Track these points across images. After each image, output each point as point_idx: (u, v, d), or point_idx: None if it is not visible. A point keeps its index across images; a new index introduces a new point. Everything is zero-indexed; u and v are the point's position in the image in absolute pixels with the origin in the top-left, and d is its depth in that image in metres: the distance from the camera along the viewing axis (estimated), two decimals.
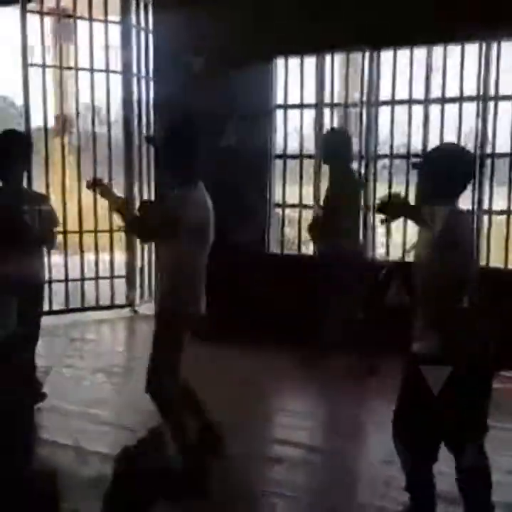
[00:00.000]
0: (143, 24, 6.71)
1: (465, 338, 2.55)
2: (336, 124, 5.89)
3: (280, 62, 6.00)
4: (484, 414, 2.65)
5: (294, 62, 5.94)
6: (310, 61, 5.86)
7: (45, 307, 6.57)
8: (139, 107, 6.75)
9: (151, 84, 6.65)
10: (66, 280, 6.71)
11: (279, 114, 6.07)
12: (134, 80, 6.71)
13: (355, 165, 5.51)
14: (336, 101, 5.86)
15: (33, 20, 6.17)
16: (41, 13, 6.19)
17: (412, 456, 2.65)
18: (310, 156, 5.98)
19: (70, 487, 3.22)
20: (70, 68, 6.45)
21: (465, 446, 2.64)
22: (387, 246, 5.64)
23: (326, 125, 5.90)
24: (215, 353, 5.30)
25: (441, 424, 2.59)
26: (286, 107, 6.05)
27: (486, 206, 5.40)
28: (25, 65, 6.13)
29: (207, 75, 6.06)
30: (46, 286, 6.53)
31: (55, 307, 6.67)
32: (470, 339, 2.56)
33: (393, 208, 2.52)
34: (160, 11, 6.37)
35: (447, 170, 2.53)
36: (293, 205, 6.17)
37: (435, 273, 2.50)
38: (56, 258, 6.68)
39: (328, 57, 5.80)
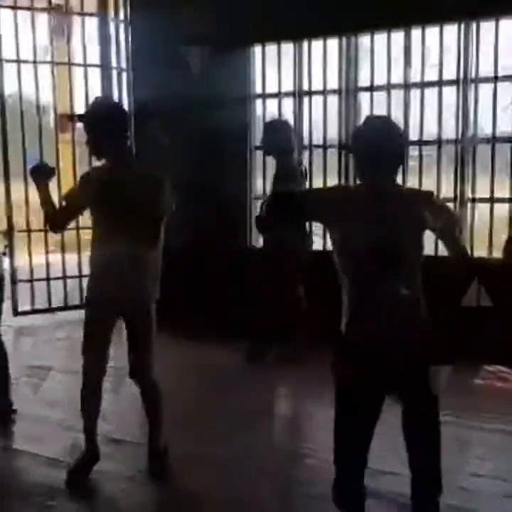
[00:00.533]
0: (121, 17, 6.59)
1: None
2: (314, 112, 5.73)
3: (257, 49, 5.86)
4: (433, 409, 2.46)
5: (271, 49, 5.79)
6: (287, 48, 5.71)
7: (27, 307, 6.57)
8: (119, 100, 6.61)
9: (126, 77, 6.54)
10: (48, 279, 6.61)
11: (258, 103, 5.94)
12: (114, 74, 6.60)
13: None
14: (314, 88, 5.69)
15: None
16: (14, 8, 6.09)
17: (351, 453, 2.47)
18: None
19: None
20: (42, 63, 6.34)
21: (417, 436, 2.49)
22: None
23: (305, 113, 5.76)
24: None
25: (374, 421, 2.43)
26: (264, 95, 5.91)
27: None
28: None
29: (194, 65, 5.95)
30: (28, 285, 6.53)
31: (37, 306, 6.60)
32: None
33: None
34: (137, 2, 6.27)
35: (368, 146, 2.38)
36: None
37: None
38: (39, 258, 6.60)
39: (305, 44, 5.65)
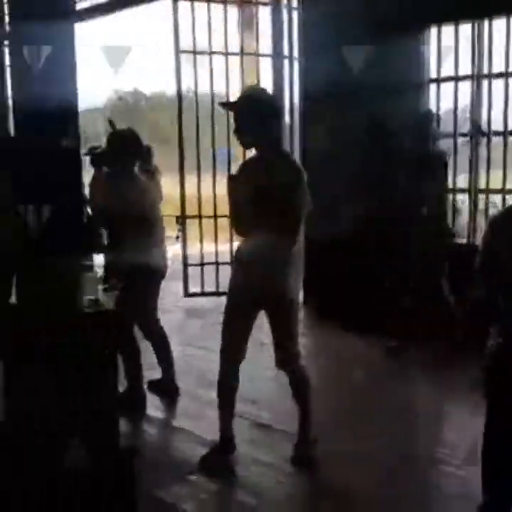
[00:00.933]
0: (294, 4, 6.59)
1: None
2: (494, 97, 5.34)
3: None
4: None
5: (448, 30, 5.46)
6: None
7: (197, 289, 6.84)
8: (290, 89, 6.63)
9: (298, 65, 6.51)
10: (216, 263, 6.81)
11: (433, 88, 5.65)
12: (285, 63, 6.62)
13: None
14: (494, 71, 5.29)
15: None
16: (192, 0, 6.29)
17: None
18: (464, 134, 5.51)
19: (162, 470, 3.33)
20: (217, 53, 6.48)
21: None
22: None
23: (484, 99, 5.38)
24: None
25: None
26: (439, 80, 5.60)
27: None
28: (177, 53, 6.29)
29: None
30: (198, 269, 6.80)
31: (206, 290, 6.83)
32: None
33: None
34: None
35: None
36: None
37: None
38: (210, 245, 6.83)
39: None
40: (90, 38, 6.69)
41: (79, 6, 8.79)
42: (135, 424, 3.91)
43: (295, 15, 6.57)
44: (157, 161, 8.87)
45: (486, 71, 5.34)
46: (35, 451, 2.98)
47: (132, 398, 4.08)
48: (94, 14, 8.68)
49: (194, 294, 6.82)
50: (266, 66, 6.64)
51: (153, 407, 4.15)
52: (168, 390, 4.33)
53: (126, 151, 4.02)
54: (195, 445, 3.56)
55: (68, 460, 2.99)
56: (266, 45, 6.61)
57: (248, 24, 6.78)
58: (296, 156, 6.69)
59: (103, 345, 3.12)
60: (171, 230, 10.26)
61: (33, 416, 2.99)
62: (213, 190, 6.64)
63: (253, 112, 3.14)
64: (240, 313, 3.30)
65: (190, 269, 6.82)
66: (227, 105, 3.49)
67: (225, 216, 6.68)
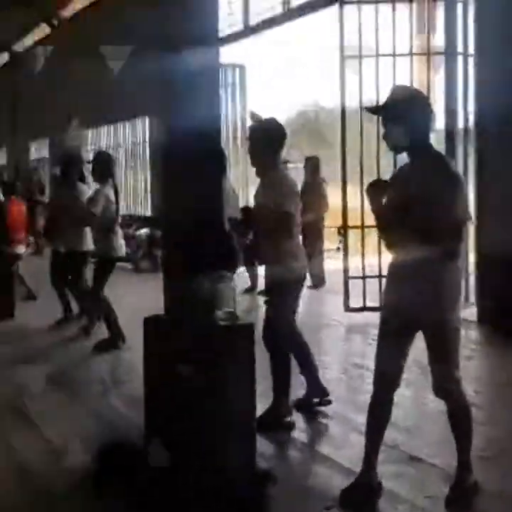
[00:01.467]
0: None
1: None
2: None
3: None
4: None
5: None
6: None
7: (359, 304, 6.51)
8: (464, 90, 6.13)
9: (473, 63, 6.00)
10: (379, 276, 6.44)
11: None
12: (459, 59, 6.14)
13: None
14: None
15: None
16: (359, 2, 6.05)
17: None
18: None
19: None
20: (384, 55, 6.14)
21: None
22: None
23: None
24: None
25: None
26: None
27: None
28: (342, 58, 6.08)
29: None
30: (359, 282, 6.47)
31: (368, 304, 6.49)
32: None
33: None
34: None
35: None
36: None
37: None
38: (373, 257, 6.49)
39: None
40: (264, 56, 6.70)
41: (253, 21, 9.03)
42: (276, 445, 3.70)
43: (471, 9, 6.06)
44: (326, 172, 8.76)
45: None
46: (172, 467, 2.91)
47: (277, 417, 3.87)
48: (270, 25, 8.88)
49: (355, 309, 6.52)
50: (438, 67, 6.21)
51: (298, 428, 3.91)
52: (314, 408, 4.08)
53: (268, 138, 3.90)
54: (338, 475, 3.26)
55: (203, 478, 2.88)
56: (438, 44, 6.19)
57: (419, 22, 6.40)
58: (469, 165, 6.22)
59: (238, 358, 3.00)
60: (332, 242, 10.13)
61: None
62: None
63: (400, 115, 2.84)
64: (394, 336, 3.01)
65: (351, 282, 6.53)
66: (373, 109, 3.20)
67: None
